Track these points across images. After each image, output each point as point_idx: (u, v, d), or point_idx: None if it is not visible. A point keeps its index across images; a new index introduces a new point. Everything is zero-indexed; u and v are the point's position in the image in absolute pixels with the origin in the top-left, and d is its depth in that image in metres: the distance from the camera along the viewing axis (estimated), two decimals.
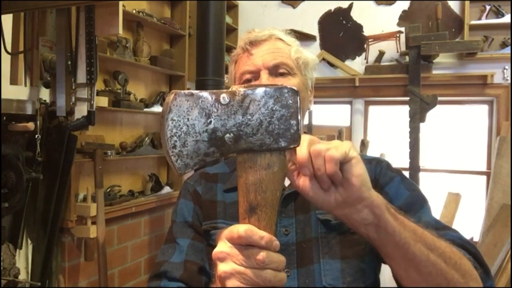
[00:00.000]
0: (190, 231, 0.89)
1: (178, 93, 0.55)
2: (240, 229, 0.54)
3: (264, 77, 0.87)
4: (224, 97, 0.55)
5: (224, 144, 0.55)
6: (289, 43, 0.93)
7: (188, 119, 0.54)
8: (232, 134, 0.55)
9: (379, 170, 0.89)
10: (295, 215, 0.85)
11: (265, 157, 0.56)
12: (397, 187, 0.86)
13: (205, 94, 0.55)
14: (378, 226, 0.60)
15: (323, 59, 3.79)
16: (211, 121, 0.54)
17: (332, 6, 3.86)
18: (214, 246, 0.84)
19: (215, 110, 0.55)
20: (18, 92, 2.15)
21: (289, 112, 0.55)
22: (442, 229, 0.79)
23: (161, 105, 3.25)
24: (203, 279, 0.85)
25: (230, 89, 0.56)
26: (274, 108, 0.55)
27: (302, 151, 0.58)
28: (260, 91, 0.55)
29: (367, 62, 3.74)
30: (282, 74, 0.89)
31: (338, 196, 0.59)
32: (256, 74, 0.89)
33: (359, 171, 0.59)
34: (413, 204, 0.83)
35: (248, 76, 0.89)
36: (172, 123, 0.54)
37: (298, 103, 0.56)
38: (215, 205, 0.90)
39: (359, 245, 0.82)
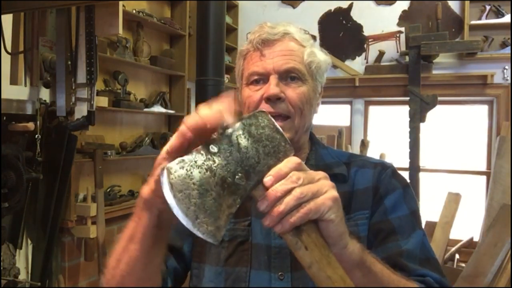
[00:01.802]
0: None
1: (169, 166, 0.53)
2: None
3: (273, 82, 0.82)
4: (212, 147, 0.55)
5: (239, 187, 0.55)
6: (303, 44, 0.88)
7: (193, 183, 0.52)
8: (240, 174, 0.55)
9: (382, 177, 0.87)
10: None
11: None
12: (397, 200, 0.84)
13: (194, 153, 0.54)
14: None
15: None
16: (215, 173, 0.53)
17: (332, 6, 3.86)
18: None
19: (212, 162, 0.54)
20: (18, 92, 2.15)
21: (271, 130, 0.59)
22: (425, 264, 0.78)
23: (161, 105, 3.25)
24: (169, 255, 0.84)
25: (211, 138, 0.57)
26: (259, 133, 0.57)
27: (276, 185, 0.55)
28: (238, 125, 0.57)
29: (367, 62, 3.74)
30: (292, 79, 0.85)
31: None
32: (265, 77, 0.85)
33: (332, 234, 0.57)
34: (407, 227, 0.82)
35: (256, 77, 0.86)
36: (181, 196, 0.51)
37: (271, 119, 0.60)
38: None
39: None
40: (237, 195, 0.55)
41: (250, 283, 0.80)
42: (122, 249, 0.68)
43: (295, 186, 0.54)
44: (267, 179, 0.55)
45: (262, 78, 0.85)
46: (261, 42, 0.86)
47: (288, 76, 0.85)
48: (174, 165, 0.53)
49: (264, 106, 0.82)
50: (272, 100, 0.82)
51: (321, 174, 0.58)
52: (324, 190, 0.56)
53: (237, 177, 0.54)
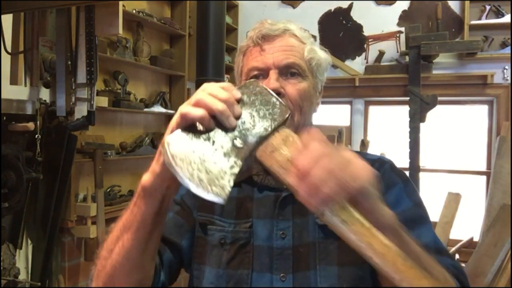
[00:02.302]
0: (176, 207, 0.88)
1: (169, 137, 0.56)
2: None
3: (273, 77, 0.82)
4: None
5: (239, 150, 0.58)
6: (303, 40, 0.87)
7: (194, 151, 0.55)
8: (238, 138, 0.59)
9: (381, 172, 0.86)
10: (293, 218, 0.82)
11: (276, 137, 0.61)
12: (398, 194, 0.83)
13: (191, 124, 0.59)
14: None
15: None
16: (214, 141, 0.57)
17: (332, 6, 3.86)
18: (207, 241, 0.85)
19: (210, 129, 0.58)
20: (18, 92, 2.15)
21: (264, 95, 0.64)
22: (440, 254, 0.76)
23: (161, 105, 3.25)
24: (165, 248, 0.84)
25: None
26: (251, 100, 0.63)
27: (307, 163, 0.54)
28: None
29: (367, 62, 3.73)
30: (292, 75, 0.84)
31: None
32: (264, 72, 0.84)
33: (369, 206, 0.57)
34: (414, 219, 0.80)
35: (256, 73, 0.85)
36: (184, 164, 0.54)
37: (263, 86, 0.65)
38: None
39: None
40: (238, 157, 0.58)
41: (251, 285, 0.80)
42: (116, 239, 0.69)
43: (321, 161, 0.53)
44: (298, 162, 0.54)
45: (262, 73, 0.84)
46: (261, 37, 0.85)
47: (288, 71, 0.84)
48: (173, 137, 0.57)
49: None
50: None
51: (343, 146, 0.60)
52: (353, 161, 0.55)
53: (235, 141, 0.59)
